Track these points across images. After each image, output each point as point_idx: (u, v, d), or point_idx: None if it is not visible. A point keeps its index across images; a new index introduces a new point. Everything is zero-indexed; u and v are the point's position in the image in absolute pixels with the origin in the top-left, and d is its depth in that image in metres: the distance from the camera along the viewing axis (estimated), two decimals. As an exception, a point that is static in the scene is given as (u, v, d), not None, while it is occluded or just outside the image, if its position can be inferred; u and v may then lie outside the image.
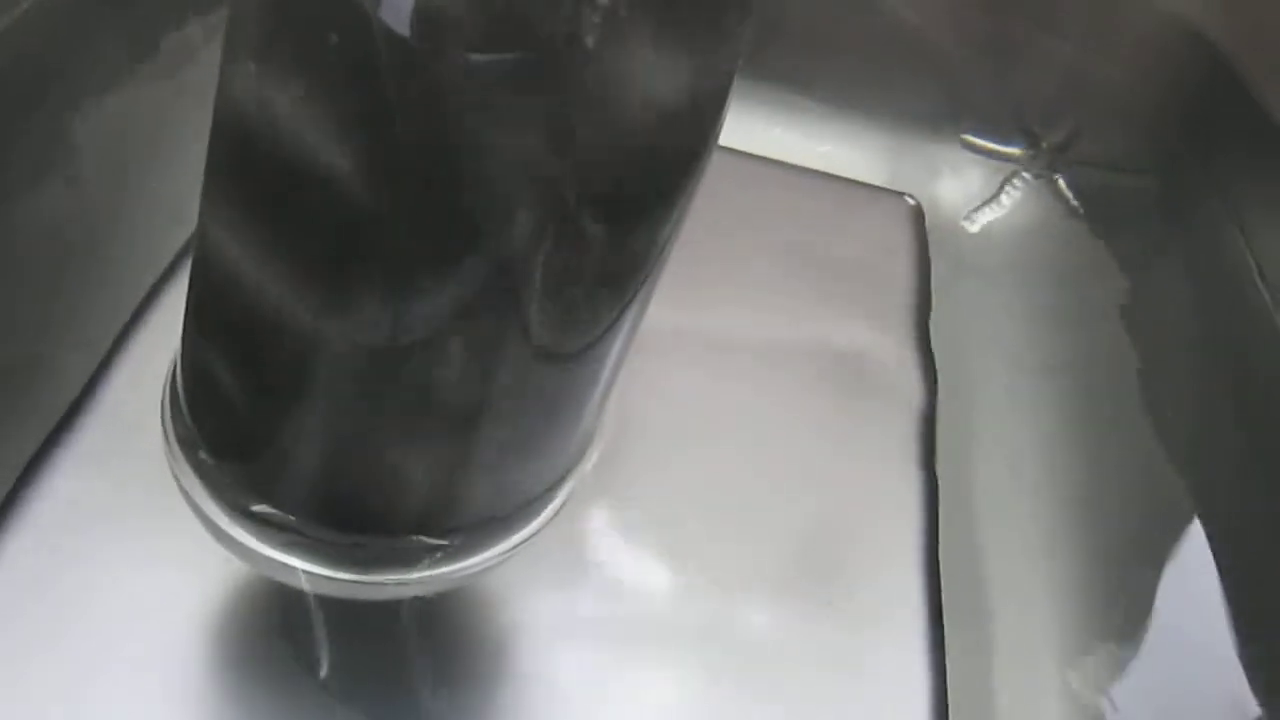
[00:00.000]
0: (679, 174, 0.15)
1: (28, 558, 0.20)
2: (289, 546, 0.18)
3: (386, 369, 0.16)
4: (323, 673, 0.19)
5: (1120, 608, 0.34)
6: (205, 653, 0.20)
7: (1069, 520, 0.35)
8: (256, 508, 0.17)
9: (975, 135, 0.45)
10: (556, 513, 0.18)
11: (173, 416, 0.19)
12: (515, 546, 0.18)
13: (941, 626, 0.23)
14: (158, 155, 0.38)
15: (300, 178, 0.14)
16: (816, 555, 0.23)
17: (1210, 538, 0.34)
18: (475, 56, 0.13)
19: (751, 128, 0.43)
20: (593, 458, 0.19)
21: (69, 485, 0.22)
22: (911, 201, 0.33)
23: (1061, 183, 0.44)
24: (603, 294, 0.16)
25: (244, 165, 0.16)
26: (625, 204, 0.15)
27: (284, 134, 0.14)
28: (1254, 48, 0.40)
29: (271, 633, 0.20)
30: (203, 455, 0.18)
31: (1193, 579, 0.34)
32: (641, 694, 0.21)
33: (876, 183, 0.41)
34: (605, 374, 0.17)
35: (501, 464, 0.18)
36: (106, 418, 0.23)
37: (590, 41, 0.13)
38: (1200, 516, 0.35)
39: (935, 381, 0.28)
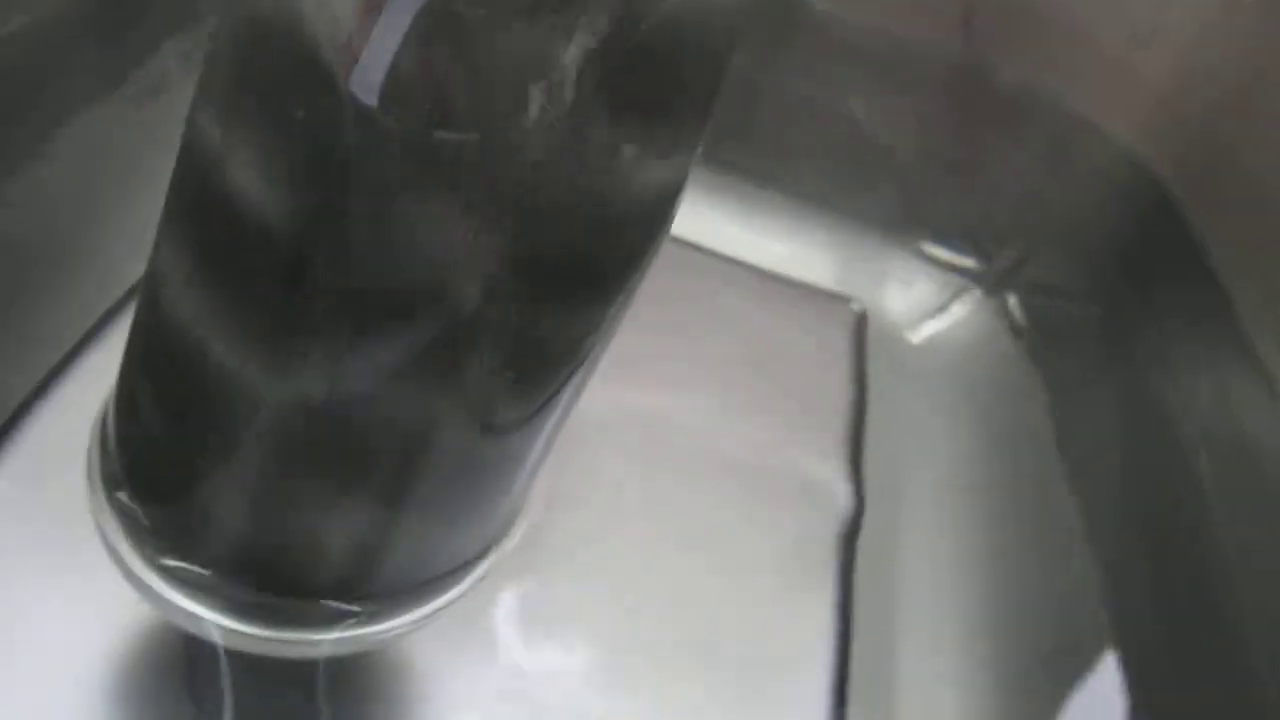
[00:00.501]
0: (625, 265, 0.15)
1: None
2: (202, 597, 0.18)
3: (318, 430, 0.16)
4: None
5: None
6: (107, 697, 0.20)
7: (985, 643, 0.35)
8: (172, 559, 0.17)
9: (930, 247, 0.47)
10: (474, 585, 0.19)
11: (101, 454, 0.19)
12: (428, 616, 0.18)
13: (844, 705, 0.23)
14: (125, 185, 0.38)
15: (249, 231, 0.15)
16: (725, 660, 0.23)
17: (1124, 667, 0.35)
18: (439, 133, 0.14)
19: (710, 222, 0.43)
20: (516, 534, 0.19)
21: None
22: (857, 308, 0.34)
23: (1011, 302, 0.45)
24: (541, 373, 0.16)
25: (197, 212, 0.16)
26: (570, 288, 0.15)
27: (237, 186, 0.14)
28: (1199, 192, 0.42)
29: (177, 682, 0.20)
30: (124, 497, 0.18)
31: (1102, 710, 0.34)
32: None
33: (827, 284, 0.42)
34: (536, 451, 0.18)
35: (424, 533, 0.18)
36: (33, 446, 0.23)
37: (549, 133, 0.13)
38: (1115, 646, 0.35)
39: (862, 499, 0.29)
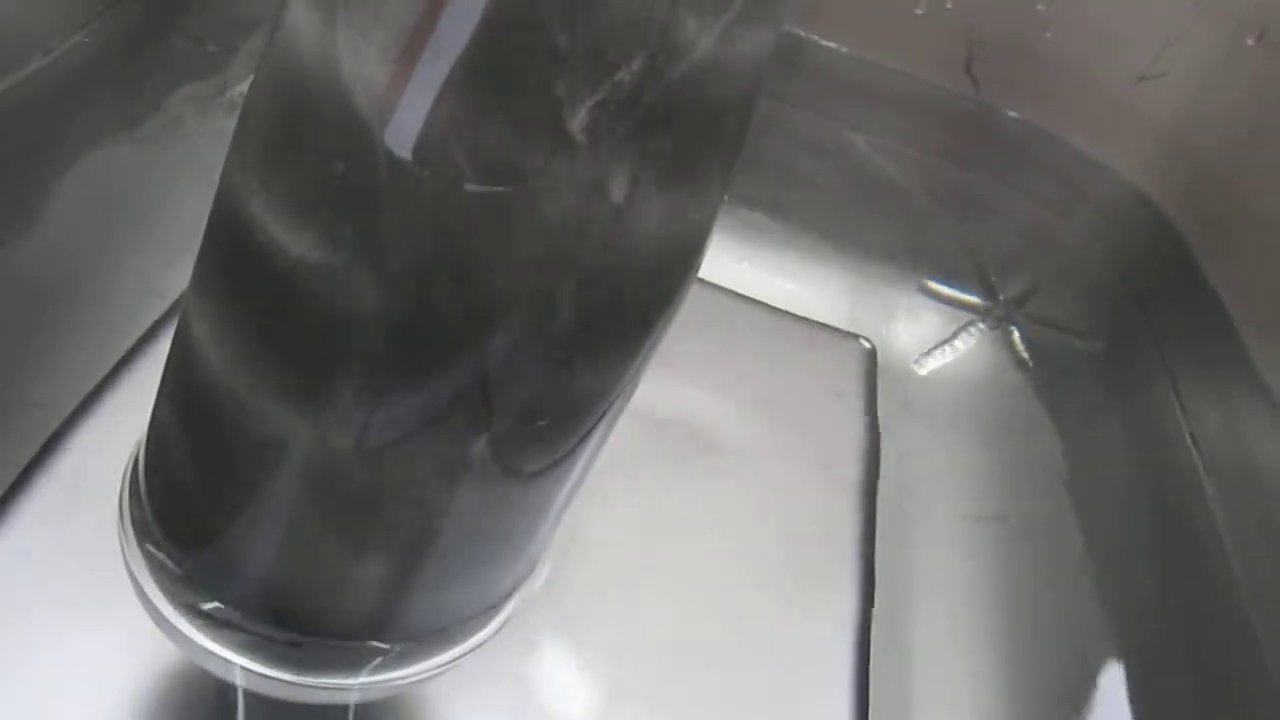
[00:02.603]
0: (652, 314, 0.16)
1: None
2: (228, 641, 0.18)
3: (349, 475, 0.16)
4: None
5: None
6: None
7: (998, 669, 0.35)
8: (202, 604, 0.18)
9: (936, 281, 0.47)
10: (500, 627, 0.19)
11: (131, 499, 0.19)
12: (456, 659, 0.18)
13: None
14: (140, 225, 0.38)
15: (283, 283, 0.15)
16: (745, 700, 0.24)
17: (1131, 694, 0.35)
18: (470, 186, 0.14)
19: (722, 260, 0.44)
20: (541, 576, 0.19)
21: (15, 547, 0.22)
22: (867, 345, 0.35)
23: (1015, 335, 0.46)
24: (569, 420, 0.17)
25: (230, 264, 0.16)
26: (599, 337, 0.16)
27: (271, 237, 0.15)
28: (1204, 227, 0.43)
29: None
30: (152, 546, 0.18)
31: None
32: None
33: (835, 318, 0.43)
34: (563, 496, 0.18)
35: (451, 577, 0.18)
36: (63, 483, 0.23)
37: (578, 186, 0.14)
38: (1125, 672, 0.36)
39: (874, 535, 0.29)
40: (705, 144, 0.14)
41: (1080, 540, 0.40)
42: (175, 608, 0.18)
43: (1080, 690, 0.36)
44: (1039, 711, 0.35)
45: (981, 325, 0.46)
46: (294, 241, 0.15)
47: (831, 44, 0.46)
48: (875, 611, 0.29)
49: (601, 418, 0.17)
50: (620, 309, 0.15)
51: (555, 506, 0.18)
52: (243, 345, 0.16)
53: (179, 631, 0.18)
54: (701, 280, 0.39)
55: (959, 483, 0.41)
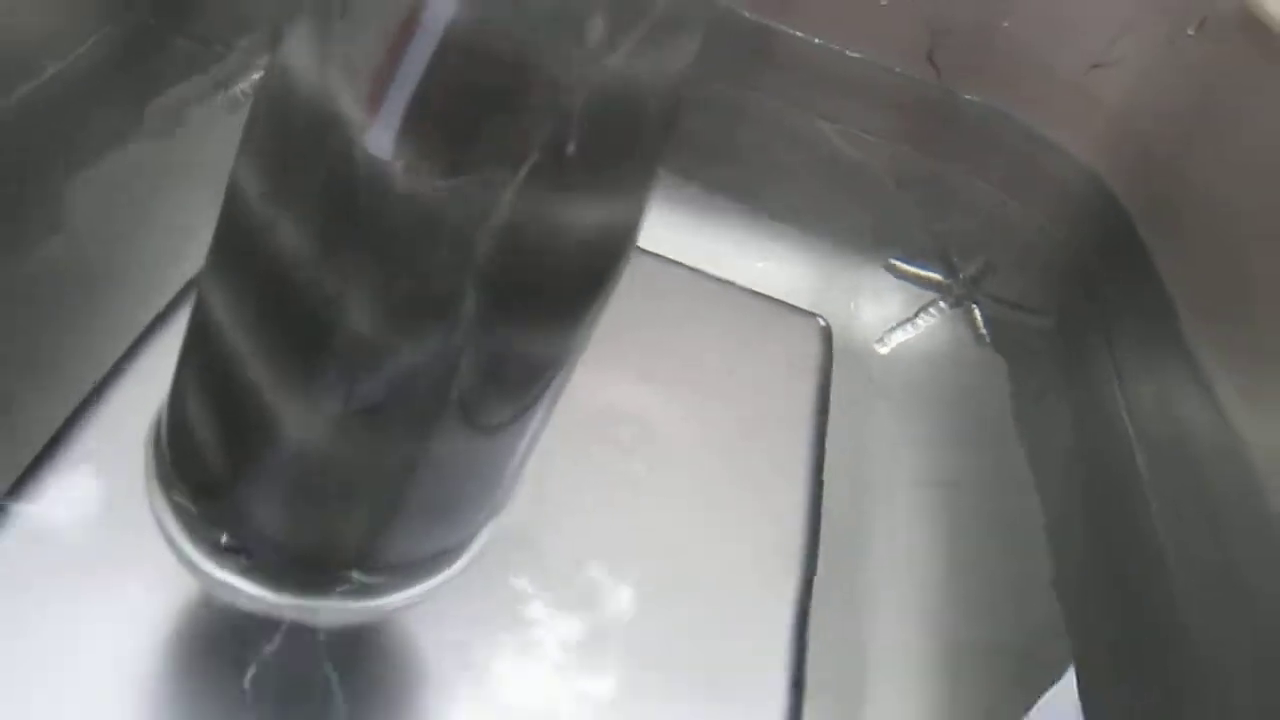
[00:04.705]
0: (588, 294, 0.19)
1: (16, 561, 0.23)
2: (242, 573, 0.21)
3: (337, 434, 0.19)
4: (246, 684, 0.23)
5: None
6: (156, 652, 0.23)
7: (946, 621, 0.38)
8: (218, 540, 0.21)
9: (900, 262, 0.50)
10: (472, 561, 0.22)
11: (155, 453, 0.22)
12: (434, 588, 0.22)
13: (800, 696, 0.26)
14: (152, 215, 0.41)
15: (279, 267, 0.18)
16: (691, 631, 0.27)
17: (1074, 646, 0.38)
18: (439, 181, 0.17)
19: (697, 240, 0.47)
20: (509, 516, 0.22)
21: (56, 494, 0.25)
22: (822, 323, 0.37)
23: (975, 313, 0.49)
24: (523, 383, 0.20)
25: (237, 253, 0.19)
26: (545, 313, 0.19)
27: (269, 229, 0.18)
28: (1150, 207, 0.45)
29: (216, 644, 0.23)
30: (176, 495, 0.22)
31: (1058, 702, 0.37)
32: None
33: (803, 298, 0.46)
34: (522, 447, 0.21)
35: (427, 516, 0.21)
36: (96, 442, 0.26)
37: (520, 185, 0.17)
38: (1066, 625, 0.39)
39: (820, 496, 0.32)
40: (626, 154, 0.17)
41: (1027, 503, 0.43)
42: (193, 543, 0.21)
43: (1024, 643, 0.39)
44: (985, 660, 0.38)
45: (943, 304, 0.49)
46: (291, 231, 0.18)
47: (801, 34, 0.49)
48: (830, 565, 0.32)
49: (549, 384, 0.20)
50: (557, 294, 0.18)
51: (515, 457, 0.21)
52: (246, 324, 0.19)
53: (196, 565, 0.21)
54: (666, 258, 0.42)
55: (915, 451, 0.44)
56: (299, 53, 0.17)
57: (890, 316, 0.49)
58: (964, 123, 0.50)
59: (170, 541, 0.22)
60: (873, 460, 0.43)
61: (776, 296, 0.44)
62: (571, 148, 0.16)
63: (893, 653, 0.37)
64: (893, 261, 0.50)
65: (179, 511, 0.22)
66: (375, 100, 0.16)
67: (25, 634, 0.22)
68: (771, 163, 0.51)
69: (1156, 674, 0.34)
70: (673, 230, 0.46)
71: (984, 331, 0.48)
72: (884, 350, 0.48)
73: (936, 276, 0.50)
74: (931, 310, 0.49)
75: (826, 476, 0.37)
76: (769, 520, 0.30)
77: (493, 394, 0.19)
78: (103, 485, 0.25)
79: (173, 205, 0.42)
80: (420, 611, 0.21)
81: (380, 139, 0.16)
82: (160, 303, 0.35)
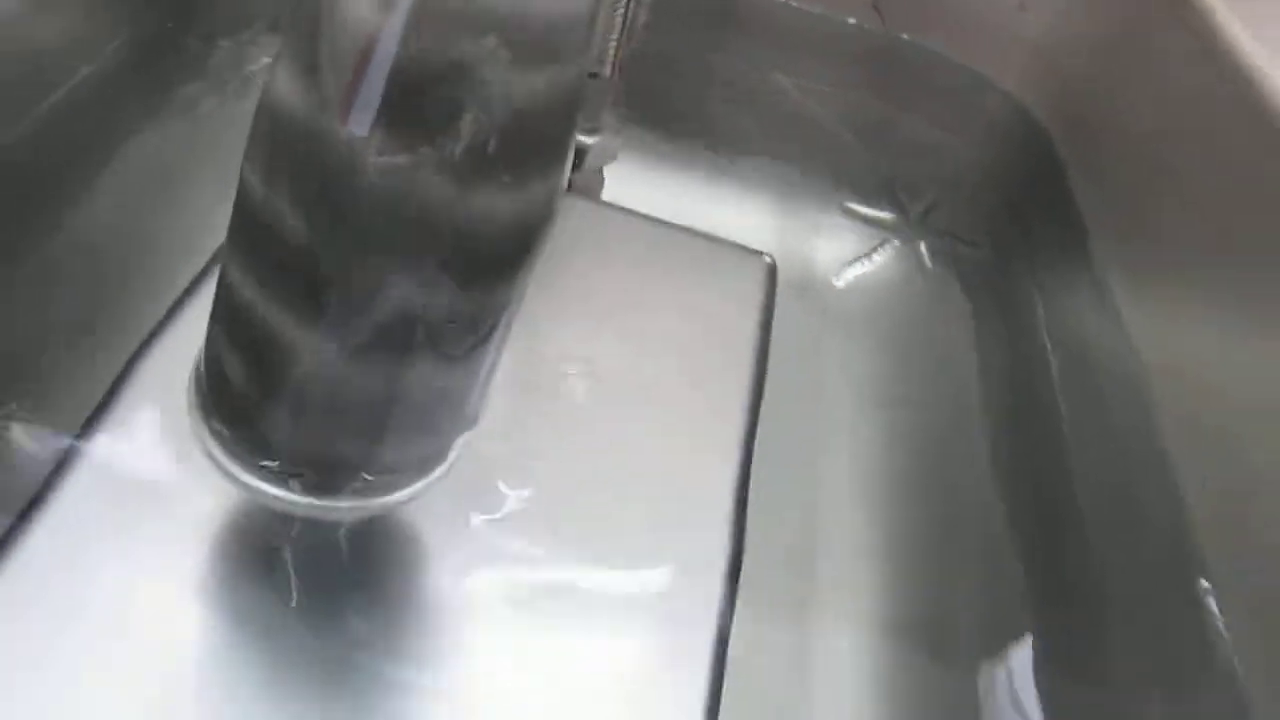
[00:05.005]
0: (518, 256, 0.24)
1: (90, 486, 0.29)
2: (271, 481, 0.27)
3: (338, 365, 0.25)
4: (279, 570, 0.29)
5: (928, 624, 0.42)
6: (205, 547, 0.29)
7: (893, 518, 0.44)
8: (251, 457, 0.27)
9: (854, 203, 0.55)
10: (451, 465, 0.28)
11: (195, 391, 0.28)
12: (421, 489, 0.27)
13: (736, 580, 0.32)
14: (176, 195, 0.47)
15: (284, 235, 0.23)
16: (630, 508, 0.32)
17: (1013, 540, 0.43)
18: (400, 156, 0.22)
19: (662, 188, 0.52)
20: (476, 430, 0.28)
21: (115, 428, 0.31)
22: (768, 260, 0.43)
23: (921, 247, 0.54)
24: (476, 321, 0.25)
25: (249, 227, 0.25)
26: (483, 269, 0.24)
27: (272, 207, 0.23)
28: (1071, 136, 0.50)
29: (252, 539, 0.29)
30: (215, 423, 0.27)
31: (1003, 601, 0.42)
32: (509, 597, 0.30)
33: (767, 241, 0.51)
34: (483, 372, 0.27)
35: (414, 428, 0.27)
36: (147, 384, 0.32)
37: (457, 164, 0.22)
38: (1006, 520, 0.44)
39: (759, 408, 0.37)
40: (540, 147, 0.23)
41: (965, 412, 0.48)
42: (230, 460, 0.27)
43: (967, 537, 0.44)
44: (926, 545, 0.44)
45: (895, 241, 0.54)
46: (290, 212, 0.23)
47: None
48: (786, 474, 0.37)
49: (497, 322, 0.25)
50: (493, 253, 0.24)
51: (478, 381, 0.27)
52: (259, 282, 0.25)
53: (234, 476, 0.27)
54: (622, 207, 0.47)
55: (867, 375, 0.49)
56: (291, 70, 0.22)
57: (846, 254, 0.54)
58: (907, 66, 0.54)
59: (212, 459, 0.28)
60: (824, 383, 0.48)
61: (737, 239, 0.49)
62: (493, 141, 0.21)
63: (837, 538, 0.42)
64: (848, 204, 0.55)
65: (217, 436, 0.27)
66: (352, 98, 0.22)
67: (102, 538, 0.28)
68: (733, 117, 0.56)
69: (1055, 557, 0.40)
70: (640, 182, 0.51)
71: (929, 264, 0.53)
72: (840, 284, 0.53)
73: (887, 216, 0.55)
74: (884, 247, 0.54)
75: (784, 398, 0.43)
76: (707, 428, 0.35)
77: (452, 331, 0.25)
78: (155, 419, 0.31)
79: (199, 184, 0.47)
80: (414, 504, 0.27)
81: (359, 123, 0.22)
82: (193, 268, 0.41)
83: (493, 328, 0.25)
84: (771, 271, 0.41)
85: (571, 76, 0.22)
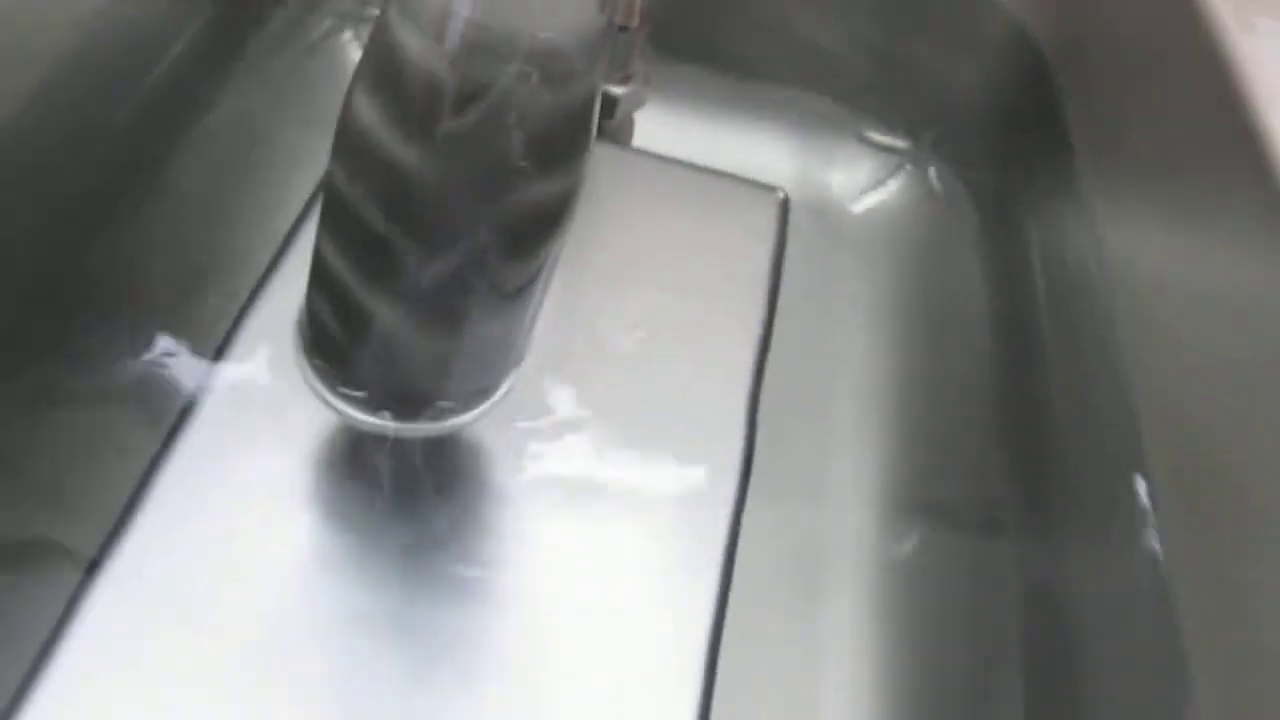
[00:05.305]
0: (552, 231, 0.30)
1: (220, 399, 0.36)
2: (361, 408, 0.34)
3: (408, 324, 0.31)
4: (369, 480, 0.36)
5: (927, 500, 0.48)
6: (308, 461, 0.36)
7: (896, 422, 0.50)
8: (341, 389, 0.33)
9: (871, 132, 0.60)
10: (505, 393, 0.34)
11: (299, 335, 0.35)
12: (485, 410, 0.34)
13: (748, 477, 0.38)
14: (254, 164, 0.53)
15: (356, 220, 0.29)
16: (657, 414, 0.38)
17: (1005, 438, 0.49)
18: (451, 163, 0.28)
19: (691, 129, 0.57)
20: (525, 364, 0.34)
21: (234, 364, 0.38)
22: (781, 195, 0.48)
23: (931, 173, 0.59)
24: (524, 267, 0.31)
25: (333, 206, 0.31)
26: (528, 230, 0.30)
27: (349, 196, 0.29)
28: (1067, 58, 0.54)
29: (348, 456, 0.36)
30: (315, 360, 0.34)
31: (989, 479, 0.48)
32: (554, 482, 0.36)
33: (787, 171, 0.56)
34: (527, 319, 0.33)
35: (474, 364, 0.33)
36: (259, 330, 0.39)
37: (502, 166, 0.28)
38: (1004, 419, 0.50)
39: (771, 331, 0.42)
40: (561, 139, 0.28)
41: (965, 323, 0.53)
42: (327, 390, 0.34)
43: (961, 426, 0.50)
44: (926, 434, 0.49)
45: (908, 167, 0.59)
46: (365, 205, 0.29)
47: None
48: (791, 373, 0.43)
49: (542, 268, 0.31)
50: (528, 231, 0.30)
51: (524, 325, 0.33)
52: (346, 256, 0.31)
53: (331, 403, 0.34)
54: (646, 152, 0.53)
55: (877, 292, 0.55)
56: (366, 91, 0.28)
57: (862, 182, 0.59)
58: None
59: (313, 389, 0.34)
60: (840, 301, 0.53)
61: (759, 168, 0.54)
62: (527, 143, 0.27)
63: (846, 433, 0.48)
64: (865, 133, 0.60)
65: (317, 370, 0.34)
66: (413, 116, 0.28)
67: (234, 445, 0.35)
68: (752, 57, 0.60)
69: (1032, 440, 0.46)
70: (665, 123, 0.56)
71: (938, 189, 0.58)
72: (857, 210, 0.58)
73: (901, 144, 0.59)
74: (898, 174, 0.59)
75: (801, 314, 0.49)
76: (725, 348, 0.41)
77: (505, 277, 0.31)
78: (270, 353, 0.37)
79: (272, 151, 0.54)
80: (477, 425, 0.34)
81: (418, 138, 0.27)
82: (287, 212, 0.48)
83: (537, 274, 0.32)
84: (784, 205, 0.47)
85: (588, 87, 0.28)
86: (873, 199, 0.58)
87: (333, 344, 0.33)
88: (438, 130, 0.27)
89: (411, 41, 0.26)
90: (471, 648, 0.33)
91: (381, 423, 0.34)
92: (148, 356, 0.39)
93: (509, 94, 0.26)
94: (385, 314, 0.31)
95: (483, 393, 0.34)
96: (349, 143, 0.29)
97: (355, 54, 0.58)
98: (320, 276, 0.32)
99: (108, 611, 0.31)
